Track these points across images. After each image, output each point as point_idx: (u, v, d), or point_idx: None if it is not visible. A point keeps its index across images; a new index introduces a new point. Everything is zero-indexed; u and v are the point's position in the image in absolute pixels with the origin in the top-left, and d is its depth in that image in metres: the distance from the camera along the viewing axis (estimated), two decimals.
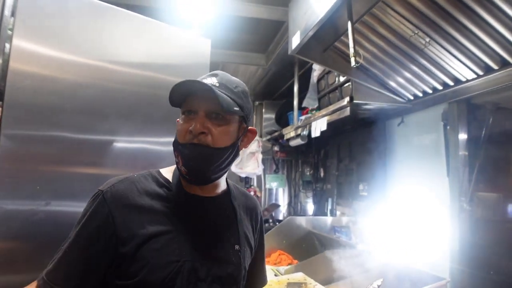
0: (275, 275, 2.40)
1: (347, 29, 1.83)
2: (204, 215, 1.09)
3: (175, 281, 0.96)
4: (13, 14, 1.44)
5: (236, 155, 1.10)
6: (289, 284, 2.12)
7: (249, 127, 1.13)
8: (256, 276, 1.30)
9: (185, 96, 1.03)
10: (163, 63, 1.79)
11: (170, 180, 1.09)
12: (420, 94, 2.39)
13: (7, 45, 1.42)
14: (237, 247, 1.10)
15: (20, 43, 1.39)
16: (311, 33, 2.03)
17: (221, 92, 0.99)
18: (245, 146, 1.15)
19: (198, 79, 1.02)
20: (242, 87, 1.09)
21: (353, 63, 1.72)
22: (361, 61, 1.78)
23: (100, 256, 0.95)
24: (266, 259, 3.14)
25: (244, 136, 1.11)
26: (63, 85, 1.48)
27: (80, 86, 1.52)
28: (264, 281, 1.35)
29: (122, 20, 1.68)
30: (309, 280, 2.03)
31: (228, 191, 1.19)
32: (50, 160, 1.45)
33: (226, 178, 1.19)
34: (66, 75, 1.49)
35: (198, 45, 1.94)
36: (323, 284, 2.10)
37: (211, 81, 1.02)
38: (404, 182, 2.76)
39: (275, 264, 2.99)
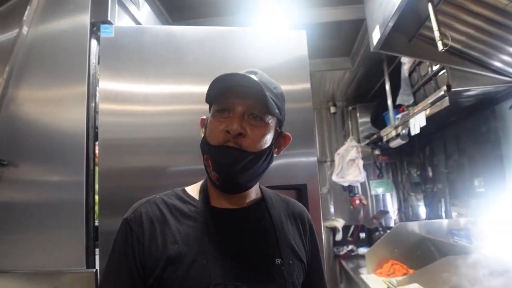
0: None
1: (429, 13, 1.67)
2: (235, 230, 0.97)
3: None
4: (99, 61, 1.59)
5: (271, 160, 0.99)
6: None
7: (284, 133, 1.03)
8: None
9: (224, 91, 0.92)
10: (259, 66, 1.60)
11: (196, 197, 1.00)
12: None
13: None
14: (278, 261, 0.95)
15: (105, 85, 1.51)
16: (390, 24, 1.88)
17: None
18: (278, 153, 1.03)
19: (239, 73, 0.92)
20: (280, 88, 1.01)
21: (440, 47, 1.56)
22: (449, 43, 1.59)
23: (136, 282, 0.89)
24: (378, 271, 2.97)
25: (277, 141, 1.01)
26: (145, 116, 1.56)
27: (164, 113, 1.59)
28: None
29: (196, 35, 1.68)
30: None
31: (262, 198, 1.06)
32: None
33: (260, 186, 1.08)
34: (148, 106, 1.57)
35: (292, 37, 1.77)
36: None
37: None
38: None
39: (388, 275, 2.79)
